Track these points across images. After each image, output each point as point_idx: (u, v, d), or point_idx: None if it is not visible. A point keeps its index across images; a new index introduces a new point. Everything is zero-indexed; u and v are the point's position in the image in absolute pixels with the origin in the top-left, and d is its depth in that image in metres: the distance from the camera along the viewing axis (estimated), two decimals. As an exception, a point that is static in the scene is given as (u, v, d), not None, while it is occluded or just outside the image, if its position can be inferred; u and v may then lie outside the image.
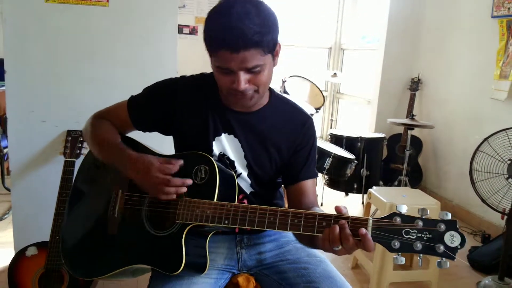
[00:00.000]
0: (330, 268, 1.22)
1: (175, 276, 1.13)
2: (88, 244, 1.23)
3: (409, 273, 2.53)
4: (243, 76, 1.07)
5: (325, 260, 1.26)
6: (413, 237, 0.91)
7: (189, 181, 1.10)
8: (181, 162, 1.13)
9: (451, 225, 0.90)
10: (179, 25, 2.09)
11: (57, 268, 1.79)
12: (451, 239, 0.90)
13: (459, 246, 0.89)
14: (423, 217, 0.92)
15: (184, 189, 1.10)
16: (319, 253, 1.29)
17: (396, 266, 2.61)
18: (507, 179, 2.26)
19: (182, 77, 1.29)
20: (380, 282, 2.26)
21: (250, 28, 1.01)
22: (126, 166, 1.15)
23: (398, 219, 0.92)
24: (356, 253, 2.58)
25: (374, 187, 2.51)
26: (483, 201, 2.30)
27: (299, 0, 5.06)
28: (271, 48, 1.09)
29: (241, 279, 1.25)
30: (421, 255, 0.92)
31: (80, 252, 1.24)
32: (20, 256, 1.85)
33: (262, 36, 1.03)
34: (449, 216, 0.91)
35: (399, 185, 3.52)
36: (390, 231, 0.92)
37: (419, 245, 0.90)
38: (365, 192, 3.31)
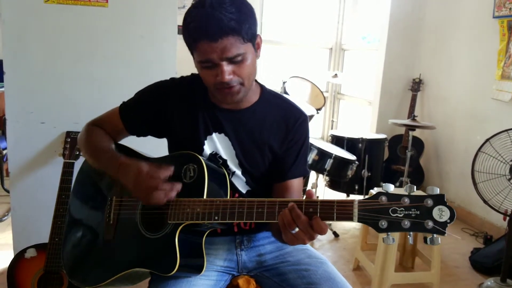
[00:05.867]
0: (331, 269, 1.21)
1: (174, 278, 1.12)
2: (87, 253, 1.23)
3: (411, 275, 2.52)
4: (226, 67, 1.07)
5: (326, 261, 1.25)
6: (401, 215, 0.88)
7: (179, 185, 1.08)
8: (172, 167, 1.10)
9: (439, 199, 0.87)
10: (178, 25, 2.09)
11: (56, 270, 1.78)
12: (440, 213, 0.87)
13: (448, 220, 0.86)
14: (410, 193, 0.89)
15: (174, 194, 1.07)
16: (320, 254, 1.28)
17: (398, 267, 2.60)
18: (509, 180, 2.24)
19: (172, 78, 1.29)
20: (381, 283, 2.25)
21: (226, 15, 1.02)
22: (117, 172, 1.13)
23: (384, 198, 0.90)
24: (358, 255, 2.57)
25: (375, 188, 2.49)
26: (485, 202, 2.29)
27: (299, 0, 5.05)
28: (250, 37, 1.09)
29: (241, 281, 1.24)
30: (411, 233, 0.90)
31: (80, 261, 1.24)
32: (19, 258, 1.85)
33: (239, 23, 1.04)
34: (436, 191, 0.88)
35: (400, 186, 3.50)
36: (376, 211, 0.90)
37: (407, 223, 0.88)
38: (366, 193, 3.30)
